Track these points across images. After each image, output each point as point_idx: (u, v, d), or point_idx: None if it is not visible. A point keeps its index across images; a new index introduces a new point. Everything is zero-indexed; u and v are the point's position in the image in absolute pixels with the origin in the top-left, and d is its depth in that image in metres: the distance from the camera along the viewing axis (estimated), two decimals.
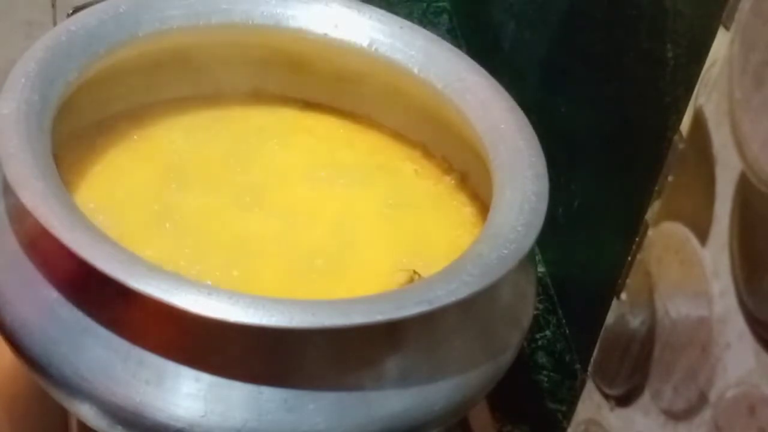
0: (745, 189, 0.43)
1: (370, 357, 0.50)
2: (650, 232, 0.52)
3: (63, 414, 0.61)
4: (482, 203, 0.62)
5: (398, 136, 0.68)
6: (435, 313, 0.48)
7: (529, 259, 0.57)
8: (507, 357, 0.55)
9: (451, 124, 0.63)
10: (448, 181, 0.65)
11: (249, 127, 0.66)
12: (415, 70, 0.63)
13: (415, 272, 0.57)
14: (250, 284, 0.56)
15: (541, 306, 0.74)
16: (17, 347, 0.51)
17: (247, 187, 0.62)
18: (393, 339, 0.50)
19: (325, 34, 0.65)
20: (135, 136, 0.64)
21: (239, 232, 0.59)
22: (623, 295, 0.54)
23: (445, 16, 0.97)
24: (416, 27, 0.65)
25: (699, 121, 0.47)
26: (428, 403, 0.51)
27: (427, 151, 0.67)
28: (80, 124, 0.62)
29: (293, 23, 0.65)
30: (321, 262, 0.58)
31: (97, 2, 0.61)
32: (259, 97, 0.68)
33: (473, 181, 0.64)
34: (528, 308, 0.58)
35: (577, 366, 0.70)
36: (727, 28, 0.45)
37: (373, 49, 0.64)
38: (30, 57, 0.56)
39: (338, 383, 0.49)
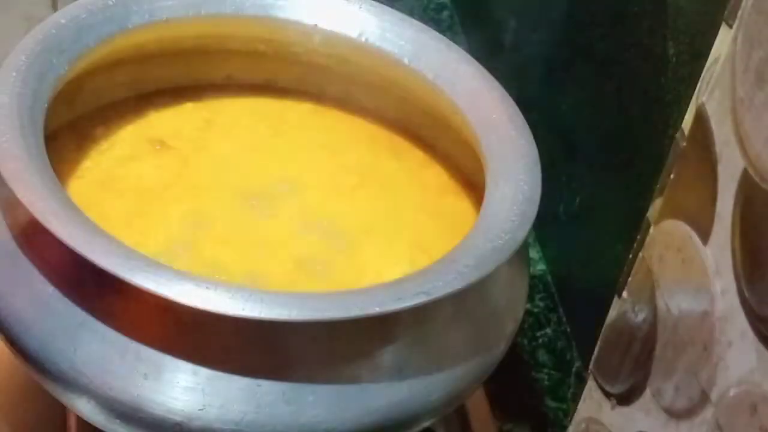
0: (747, 187, 0.43)
1: (367, 349, 0.50)
2: (652, 230, 0.52)
3: (61, 409, 0.61)
4: (475, 193, 0.62)
5: (387, 125, 0.67)
6: (430, 304, 0.49)
7: (522, 248, 0.57)
8: (501, 347, 0.56)
9: (441, 114, 0.62)
10: (440, 170, 0.65)
11: (239, 116, 0.66)
12: (406, 60, 0.63)
13: None
14: (257, 280, 0.56)
15: (542, 304, 0.74)
16: (13, 343, 0.51)
17: (246, 180, 0.62)
18: (389, 331, 0.50)
19: (315, 25, 0.64)
20: (127, 128, 0.64)
21: (242, 224, 0.59)
22: (624, 293, 0.54)
23: (446, 13, 0.97)
24: (406, 17, 0.65)
25: (701, 119, 0.47)
26: (425, 394, 0.51)
27: (418, 141, 0.67)
28: (72, 117, 0.62)
29: (283, 14, 0.65)
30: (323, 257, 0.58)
31: None
32: (253, 87, 0.68)
33: (466, 171, 0.64)
34: (522, 297, 0.58)
35: (578, 364, 0.70)
36: (729, 25, 0.45)
37: (363, 39, 0.64)
38: (20, 51, 0.56)
39: (336, 375, 0.49)
